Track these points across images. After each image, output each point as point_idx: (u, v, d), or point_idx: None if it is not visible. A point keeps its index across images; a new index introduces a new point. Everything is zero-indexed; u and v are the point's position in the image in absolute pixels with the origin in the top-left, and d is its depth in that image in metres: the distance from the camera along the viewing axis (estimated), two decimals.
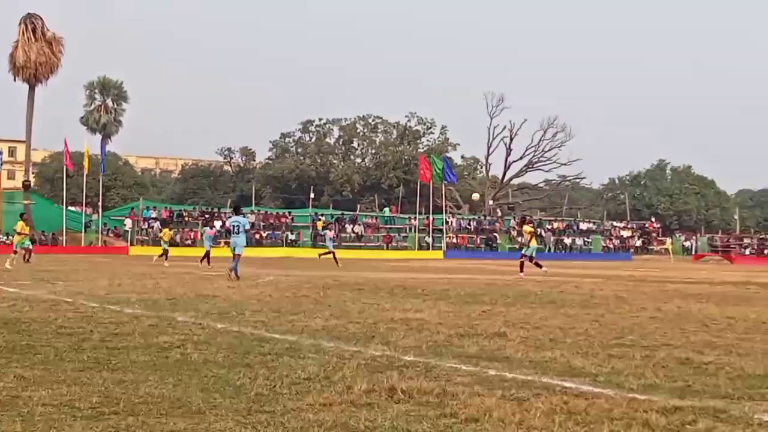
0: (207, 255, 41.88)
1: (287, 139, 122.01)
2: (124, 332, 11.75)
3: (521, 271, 32.84)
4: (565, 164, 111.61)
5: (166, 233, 47.87)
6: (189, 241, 79.36)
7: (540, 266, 33.47)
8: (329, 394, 7.57)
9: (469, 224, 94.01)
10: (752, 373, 9.15)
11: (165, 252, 44.76)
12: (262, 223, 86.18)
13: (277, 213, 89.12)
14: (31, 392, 7.34)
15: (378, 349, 10.53)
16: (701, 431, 6.47)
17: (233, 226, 27.63)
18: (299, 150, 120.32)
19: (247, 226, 28.69)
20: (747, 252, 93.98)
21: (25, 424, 6.18)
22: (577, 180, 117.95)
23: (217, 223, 69.87)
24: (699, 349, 11.02)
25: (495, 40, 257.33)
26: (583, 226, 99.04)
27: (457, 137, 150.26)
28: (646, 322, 14.54)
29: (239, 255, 27.22)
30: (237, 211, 29.54)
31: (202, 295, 18.96)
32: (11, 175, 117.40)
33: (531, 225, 37.60)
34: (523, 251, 35.02)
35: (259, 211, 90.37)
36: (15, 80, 78.55)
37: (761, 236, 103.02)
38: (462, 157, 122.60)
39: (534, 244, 34.32)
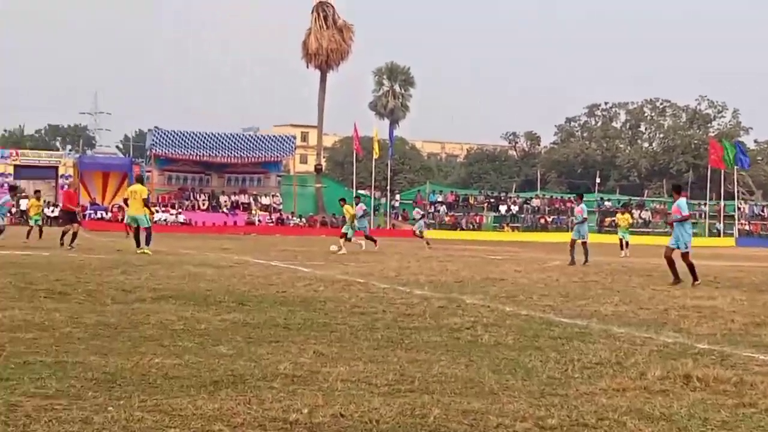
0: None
1: (572, 124, 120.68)
2: (415, 313, 11.97)
3: None
4: None
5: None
6: (472, 225, 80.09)
7: None
8: (622, 379, 7.43)
9: (763, 211, 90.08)
10: None
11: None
12: (547, 208, 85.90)
13: (562, 198, 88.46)
14: (330, 368, 7.59)
15: (670, 336, 10.27)
16: None
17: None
18: (584, 134, 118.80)
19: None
20: None
21: (326, 398, 6.39)
22: None
23: None
24: None
25: None
26: None
27: (750, 121, 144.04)
28: None
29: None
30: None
31: (489, 279, 19.07)
32: (303, 160, 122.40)
33: None
34: None
35: (544, 195, 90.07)
36: (308, 67, 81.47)
37: None
38: (755, 141, 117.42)
39: None
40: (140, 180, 28.17)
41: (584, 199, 19.19)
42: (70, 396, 6.24)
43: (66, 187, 60.67)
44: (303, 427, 5.63)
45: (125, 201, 28.47)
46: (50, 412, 5.73)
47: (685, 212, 19.40)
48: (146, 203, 27.20)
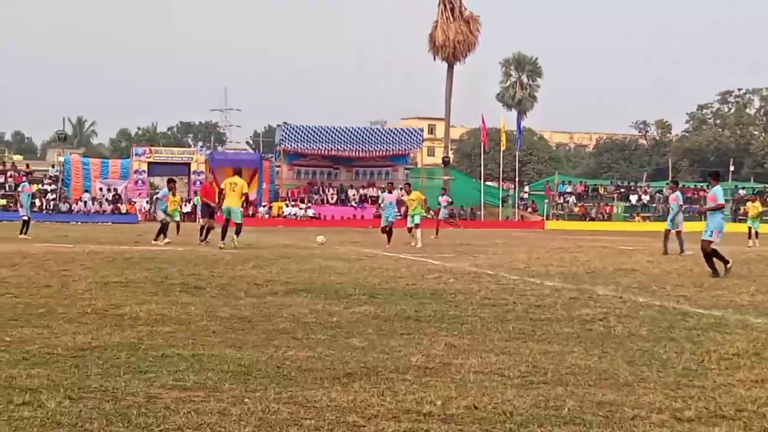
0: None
1: (704, 111, 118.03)
2: (546, 304, 11.88)
3: None
4: None
5: None
6: (602, 215, 79.06)
7: None
8: (760, 370, 7.29)
9: None
10: None
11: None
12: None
13: (695, 186, 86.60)
14: (462, 360, 7.59)
15: None
16: None
17: None
18: (717, 122, 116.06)
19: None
20: None
21: (459, 390, 6.39)
22: None
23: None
24: None
25: None
26: None
27: None
28: None
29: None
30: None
31: (620, 269, 18.80)
32: (431, 152, 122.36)
33: None
34: None
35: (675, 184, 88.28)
36: (434, 59, 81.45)
37: None
38: None
39: None
40: (239, 173, 27.57)
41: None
42: (207, 388, 6.37)
43: (202, 182, 62.12)
44: (437, 419, 5.63)
45: (221, 192, 28.16)
46: (188, 404, 5.87)
47: (720, 200, 18.47)
48: (246, 198, 26.64)
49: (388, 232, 30.24)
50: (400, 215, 38.04)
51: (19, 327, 9.04)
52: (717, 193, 18.49)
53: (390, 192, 32.87)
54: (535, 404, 6.03)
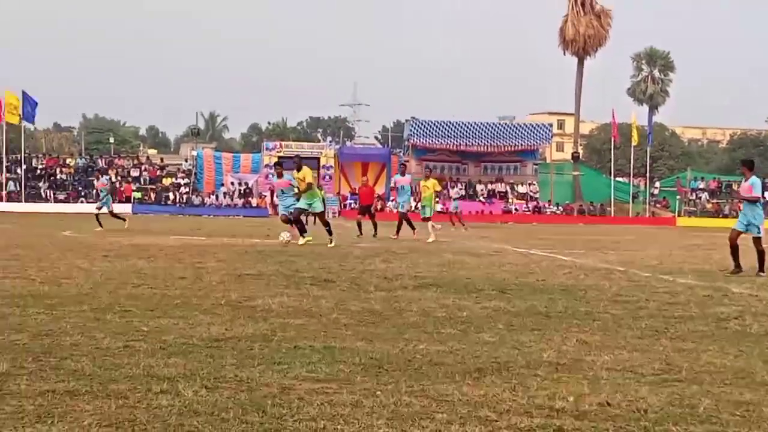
0: None
1: None
2: (680, 302, 11.68)
3: None
4: None
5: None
6: (736, 213, 77.12)
7: None
8: None
9: None
10: None
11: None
12: None
13: None
14: (594, 357, 7.51)
15: None
16: None
17: None
18: None
19: None
20: None
21: (592, 386, 6.34)
22: None
23: None
24: None
25: None
26: None
27: None
28: None
29: None
30: None
31: (756, 267, 18.31)
32: (560, 147, 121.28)
33: None
34: None
35: None
36: (564, 54, 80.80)
37: None
38: None
39: None
40: (300, 168, 26.06)
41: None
42: (339, 380, 6.44)
43: (331, 176, 62.97)
44: (569, 415, 5.59)
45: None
46: (321, 396, 5.94)
47: (758, 192, 17.48)
48: (309, 187, 24.08)
49: (406, 220, 28.89)
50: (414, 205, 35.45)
51: (156, 317, 9.27)
52: (755, 185, 17.50)
53: (403, 174, 30.90)
54: (669, 402, 5.94)
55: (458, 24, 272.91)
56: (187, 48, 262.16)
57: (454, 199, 46.10)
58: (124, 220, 33.94)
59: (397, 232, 28.94)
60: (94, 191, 58.46)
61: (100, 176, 41.41)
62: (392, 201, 44.42)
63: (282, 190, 24.62)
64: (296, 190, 23.58)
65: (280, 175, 24.70)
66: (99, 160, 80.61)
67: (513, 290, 12.71)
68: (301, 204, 23.64)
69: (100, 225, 31.84)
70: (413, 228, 28.98)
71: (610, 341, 8.38)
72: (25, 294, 11.14)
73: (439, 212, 40.06)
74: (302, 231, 23.35)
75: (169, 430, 5.12)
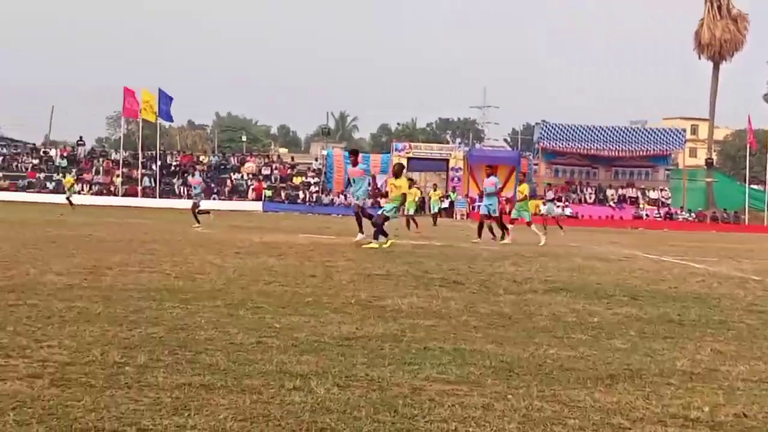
0: None
1: None
2: None
3: None
4: None
5: None
6: None
7: None
8: None
9: None
10: None
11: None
12: None
13: None
14: (729, 367, 7.36)
15: None
16: None
17: None
18: None
19: None
20: None
21: (727, 397, 6.21)
22: None
23: None
24: None
25: None
26: None
27: None
28: None
29: None
30: None
31: None
32: (693, 153, 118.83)
33: None
34: None
35: None
36: (699, 58, 79.31)
37: None
38: None
39: None
40: (399, 175, 25.03)
41: None
42: (470, 382, 6.43)
43: (460, 178, 62.71)
44: (704, 425, 5.49)
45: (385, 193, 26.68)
46: (452, 397, 5.94)
47: None
48: (403, 198, 24.07)
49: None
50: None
51: (288, 315, 9.39)
52: None
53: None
54: None
55: (590, 24, 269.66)
56: (321, 49, 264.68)
57: (548, 201, 45.03)
58: (209, 212, 34.47)
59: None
60: (186, 189, 60.20)
61: (194, 173, 42.24)
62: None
63: (354, 179, 24.40)
64: (369, 180, 23.26)
65: (354, 164, 24.40)
66: (231, 158, 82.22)
67: (644, 297, 12.52)
68: (390, 212, 23.25)
69: (198, 222, 32.28)
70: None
71: (746, 351, 8.19)
72: (161, 288, 11.40)
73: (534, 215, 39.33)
74: (383, 234, 22.61)
75: (303, 426, 5.18)
